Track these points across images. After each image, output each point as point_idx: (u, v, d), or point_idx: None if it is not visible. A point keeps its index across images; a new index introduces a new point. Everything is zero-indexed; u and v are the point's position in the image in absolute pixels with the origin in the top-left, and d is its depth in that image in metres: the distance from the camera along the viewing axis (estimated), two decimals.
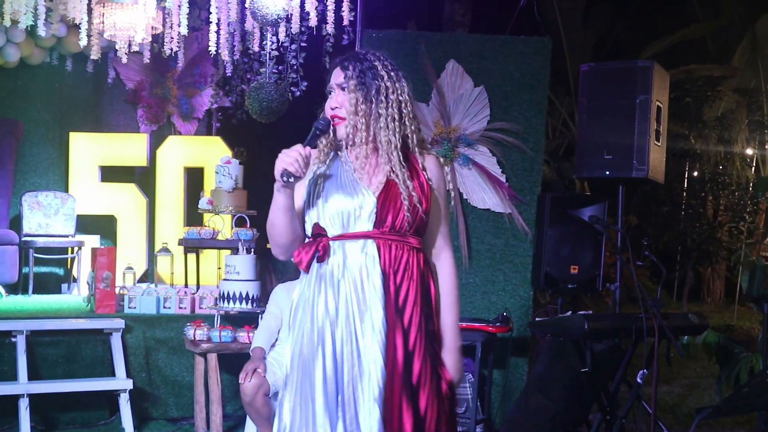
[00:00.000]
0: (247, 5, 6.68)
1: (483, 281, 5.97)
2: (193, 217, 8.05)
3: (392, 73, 2.79)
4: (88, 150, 8.38)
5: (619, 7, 14.81)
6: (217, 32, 6.92)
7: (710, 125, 13.82)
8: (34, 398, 5.38)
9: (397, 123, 2.75)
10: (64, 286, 8.21)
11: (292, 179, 2.64)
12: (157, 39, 7.59)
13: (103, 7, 6.81)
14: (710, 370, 7.78)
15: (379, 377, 2.61)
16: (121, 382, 5.68)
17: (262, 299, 5.64)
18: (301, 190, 2.81)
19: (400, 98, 2.78)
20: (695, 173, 14.15)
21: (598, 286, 5.78)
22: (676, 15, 14.96)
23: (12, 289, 7.67)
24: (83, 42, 6.76)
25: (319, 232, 2.75)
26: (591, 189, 10.82)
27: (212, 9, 6.79)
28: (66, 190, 8.31)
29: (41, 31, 6.49)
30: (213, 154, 8.10)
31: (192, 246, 6.90)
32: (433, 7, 10.68)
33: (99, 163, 8.40)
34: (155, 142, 8.55)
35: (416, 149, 2.81)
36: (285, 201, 2.69)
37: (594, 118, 5.70)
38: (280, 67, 7.69)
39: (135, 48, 7.25)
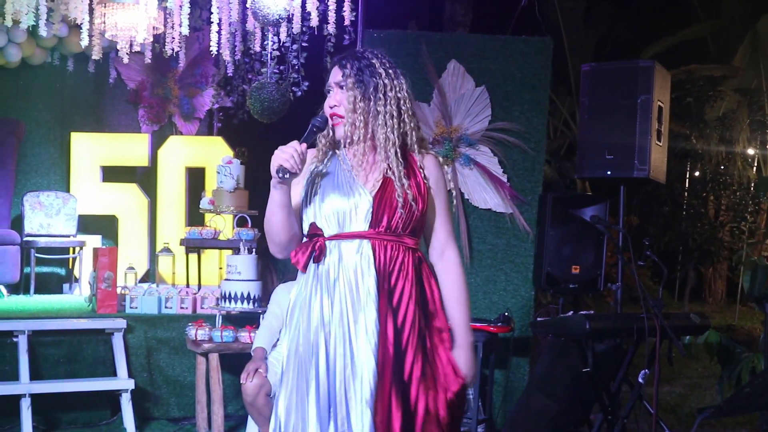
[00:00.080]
0: (248, 5, 6.68)
1: (484, 281, 5.96)
2: (194, 217, 8.05)
3: (390, 71, 2.79)
4: (90, 150, 8.39)
5: (620, 7, 14.80)
6: (219, 32, 6.92)
7: (711, 125, 13.81)
8: (35, 398, 5.38)
9: (395, 120, 2.75)
10: (66, 286, 8.21)
11: (287, 175, 2.64)
12: (159, 39, 7.59)
13: (105, 7, 6.81)
14: (712, 370, 7.78)
15: (371, 379, 2.61)
16: (122, 382, 5.68)
17: (264, 299, 5.64)
18: (298, 189, 2.81)
19: (399, 95, 2.78)
20: (697, 173, 14.14)
21: (599, 286, 5.78)
22: (677, 15, 14.95)
23: (14, 289, 7.68)
24: (85, 42, 6.76)
25: (315, 232, 2.76)
26: (592, 189, 10.81)
27: (213, 9, 6.79)
28: (67, 190, 8.31)
29: (43, 31, 6.49)
30: (214, 154, 8.11)
31: (193, 246, 6.90)
32: (434, 7, 10.68)
33: (100, 163, 8.41)
34: (157, 142, 8.55)
35: (415, 147, 2.81)
36: (281, 198, 2.69)
37: (595, 118, 5.70)
38: (281, 67, 7.69)
39: (136, 48, 7.25)
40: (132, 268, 7.54)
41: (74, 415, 5.77)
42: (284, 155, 2.64)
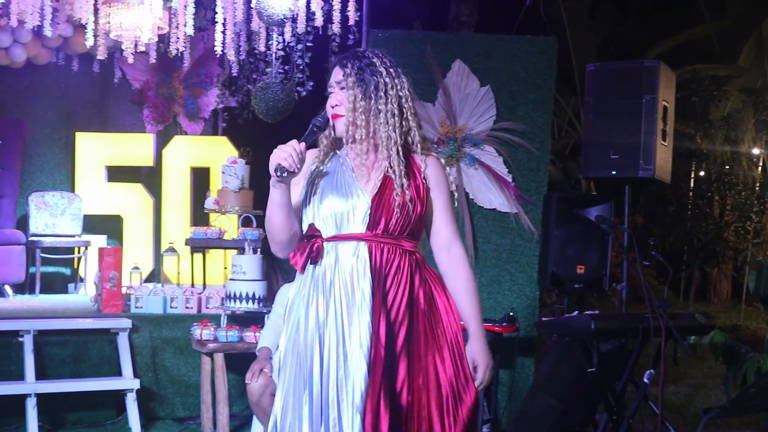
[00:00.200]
0: (253, 5, 6.68)
1: (489, 281, 5.96)
2: (199, 216, 8.06)
3: (391, 69, 2.79)
4: (95, 150, 8.40)
5: (625, 7, 14.78)
6: (223, 32, 6.93)
7: (716, 125, 13.78)
8: (41, 398, 5.39)
9: (397, 118, 2.76)
10: (71, 286, 8.23)
11: (285, 174, 2.65)
12: (163, 39, 7.60)
13: (110, 7, 6.82)
14: (717, 371, 7.76)
15: (362, 383, 2.61)
16: (127, 381, 5.69)
17: (269, 299, 5.65)
18: (298, 188, 2.82)
19: (400, 93, 2.78)
20: (702, 173, 14.11)
21: (604, 286, 5.77)
22: (682, 15, 14.93)
23: (19, 288, 7.70)
24: (89, 42, 6.78)
25: (313, 233, 2.76)
26: (597, 189, 10.80)
27: (218, 9, 6.79)
28: (72, 190, 8.33)
29: (48, 31, 6.50)
30: (219, 154, 8.11)
31: (198, 246, 6.90)
32: (439, 7, 10.67)
33: (105, 163, 8.42)
34: (161, 142, 8.56)
35: (417, 147, 2.81)
36: (280, 197, 2.70)
37: (600, 118, 5.69)
38: (286, 67, 7.69)
39: (141, 48, 7.26)
40: (137, 268, 7.55)
41: (79, 415, 5.78)
42: (283, 154, 2.65)
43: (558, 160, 12.56)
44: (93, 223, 8.32)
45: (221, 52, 7.09)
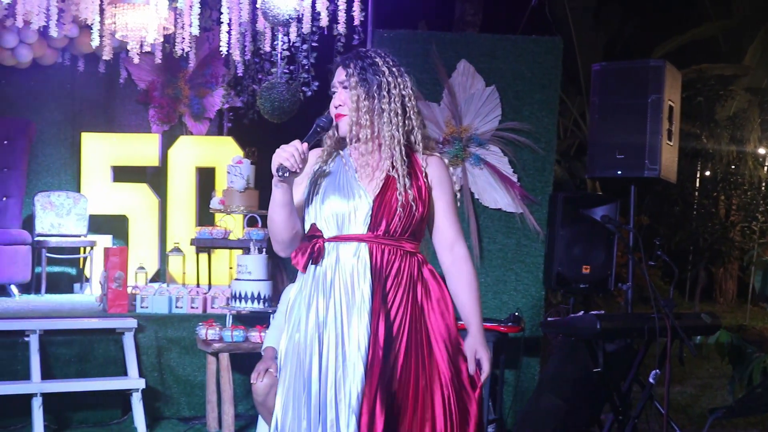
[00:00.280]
0: (258, 5, 6.69)
1: (494, 281, 5.96)
2: (204, 216, 8.07)
3: (394, 69, 2.79)
4: (100, 150, 8.41)
5: (631, 7, 14.76)
6: (229, 32, 6.94)
7: (722, 125, 13.76)
8: (47, 397, 5.40)
9: (400, 117, 2.76)
10: (77, 286, 8.24)
11: (287, 174, 2.66)
12: (169, 39, 7.60)
13: (115, 7, 6.83)
14: (723, 371, 7.75)
15: (359, 384, 2.62)
16: (133, 381, 5.69)
17: (274, 299, 5.65)
18: (301, 188, 2.82)
19: (403, 93, 2.78)
20: (707, 173, 14.09)
21: (610, 286, 5.76)
22: (687, 14, 14.91)
23: (25, 288, 7.71)
24: (95, 42, 6.79)
25: (314, 233, 2.77)
26: (603, 189, 10.79)
27: (223, 9, 6.80)
28: (78, 190, 8.34)
29: (53, 32, 6.51)
30: (224, 154, 8.12)
31: (204, 246, 6.91)
32: (444, 7, 10.67)
33: (111, 163, 8.43)
34: (167, 142, 8.57)
35: (419, 147, 2.81)
36: (282, 196, 2.70)
37: (606, 118, 5.68)
38: (291, 67, 7.69)
39: (147, 48, 7.27)
40: (142, 268, 7.56)
41: (85, 415, 5.78)
42: (285, 154, 2.66)
43: (563, 160, 12.56)
44: (98, 223, 8.33)
45: (226, 53, 7.09)
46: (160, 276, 8.28)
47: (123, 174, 8.50)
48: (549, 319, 5.64)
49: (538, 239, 5.96)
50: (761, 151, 14.09)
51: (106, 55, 7.40)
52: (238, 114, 8.88)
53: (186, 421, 5.98)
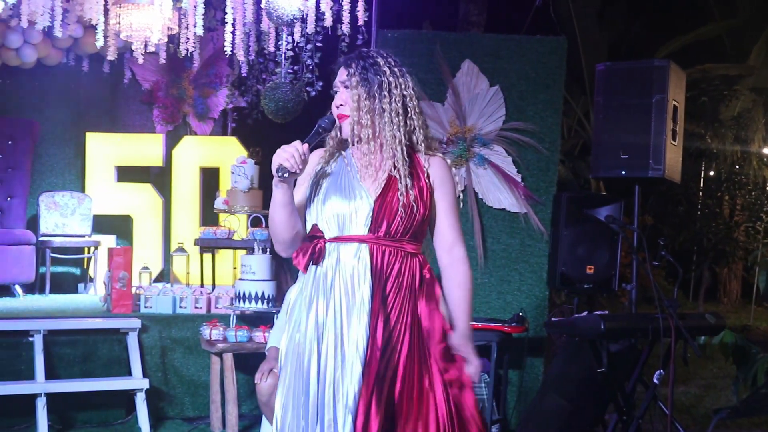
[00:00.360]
0: (262, 5, 6.69)
1: (498, 281, 5.96)
2: (208, 217, 8.08)
3: (395, 69, 2.80)
4: (105, 150, 8.42)
5: (635, 6, 14.74)
6: (233, 32, 6.93)
7: (727, 124, 13.74)
8: (51, 397, 5.41)
9: (401, 117, 2.76)
10: (81, 286, 8.25)
11: (287, 175, 2.67)
12: (173, 39, 7.61)
13: (120, 7, 6.84)
14: (727, 371, 7.74)
15: (356, 384, 2.63)
16: (137, 381, 5.70)
17: (278, 299, 5.65)
18: (303, 188, 2.83)
19: (404, 93, 2.79)
20: (711, 173, 14.07)
21: (614, 286, 5.76)
22: (692, 14, 14.88)
23: (29, 288, 7.72)
24: (100, 42, 6.79)
25: (315, 233, 2.78)
26: (607, 189, 10.77)
27: (228, 9, 6.80)
28: (82, 190, 8.35)
29: (58, 32, 6.51)
30: (228, 154, 8.12)
31: (208, 246, 6.91)
32: (448, 7, 10.66)
33: (115, 163, 8.44)
34: (171, 142, 8.57)
35: (421, 147, 2.81)
36: (282, 197, 2.71)
37: (610, 118, 5.68)
38: (295, 67, 7.69)
39: (151, 48, 7.27)
40: (146, 268, 7.57)
41: (89, 415, 5.79)
42: (285, 154, 2.67)
43: (567, 159, 12.54)
44: (103, 223, 8.34)
45: (231, 53, 7.09)
46: (164, 276, 8.29)
47: (127, 174, 8.51)
48: (553, 319, 5.64)
49: (542, 239, 5.95)
50: (766, 150, 14.08)
51: (111, 56, 7.41)
52: (242, 114, 8.88)
53: (190, 421, 5.98)
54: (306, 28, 7.14)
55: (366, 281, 2.70)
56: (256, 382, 4.48)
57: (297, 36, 7.36)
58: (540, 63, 6.02)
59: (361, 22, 6.96)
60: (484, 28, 9.81)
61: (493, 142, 5.93)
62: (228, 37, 6.88)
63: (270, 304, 5.68)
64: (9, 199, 7.95)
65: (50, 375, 5.55)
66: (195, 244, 7.03)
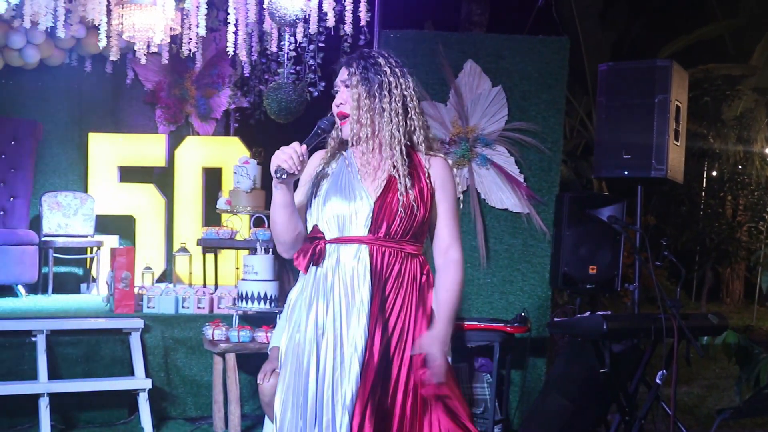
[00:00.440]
0: (265, 6, 6.69)
1: (501, 281, 5.96)
2: (211, 217, 8.08)
3: (396, 69, 2.81)
4: (107, 150, 8.42)
5: (638, 6, 14.73)
6: (235, 33, 6.94)
7: (729, 124, 13.74)
8: (53, 397, 5.41)
9: (401, 117, 2.77)
10: (84, 286, 8.25)
11: (285, 176, 2.68)
12: (176, 40, 7.61)
13: (122, 8, 6.84)
14: (730, 371, 7.74)
15: (353, 384, 2.63)
16: (140, 381, 5.70)
17: (280, 299, 5.65)
18: (304, 189, 2.84)
19: (405, 93, 2.79)
20: (714, 173, 14.07)
21: (616, 287, 5.76)
22: (694, 14, 14.87)
23: (32, 288, 7.72)
24: (102, 43, 6.79)
25: (316, 234, 2.78)
26: (609, 189, 10.77)
27: (230, 10, 6.80)
28: (85, 191, 8.35)
29: (61, 33, 6.52)
30: (231, 155, 8.13)
31: (210, 246, 6.92)
32: (451, 6, 10.65)
33: (118, 163, 8.44)
34: (174, 143, 8.58)
35: (422, 147, 2.81)
36: (282, 198, 2.72)
37: (612, 118, 5.67)
38: (297, 68, 7.70)
39: (153, 49, 7.28)
40: (149, 268, 7.57)
41: (92, 415, 5.80)
42: (283, 156, 2.68)
43: (570, 160, 12.53)
44: (105, 224, 8.34)
45: (233, 53, 7.09)
46: (167, 276, 8.29)
47: (130, 174, 8.52)
48: (555, 319, 5.64)
49: (544, 239, 5.95)
50: None
51: (113, 56, 7.41)
52: (244, 114, 8.89)
53: (192, 422, 5.99)
54: (308, 28, 7.14)
55: (365, 282, 2.70)
56: (258, 382, 4.48)
57: (299, 36, 7.37)
58: (542, 63, 6.02)
59: (363, 23, 6.96)
60: (487, 28, 9.80)
61: (495, 143, 5.93)
62: (230, 37, 6.88)
63: (272, 305, 5.68)
64: (12, 199, 7.95)
65: (53, 375, 5.56)
66: (197, 245, 7.04)
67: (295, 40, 7.44)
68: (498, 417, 5.55)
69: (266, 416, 4.61)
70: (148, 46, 7.16)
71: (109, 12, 6.80)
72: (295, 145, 2.70)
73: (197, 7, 6.70)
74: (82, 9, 6.85)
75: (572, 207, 5.64)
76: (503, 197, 5.94)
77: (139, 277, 7.16)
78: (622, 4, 14.45)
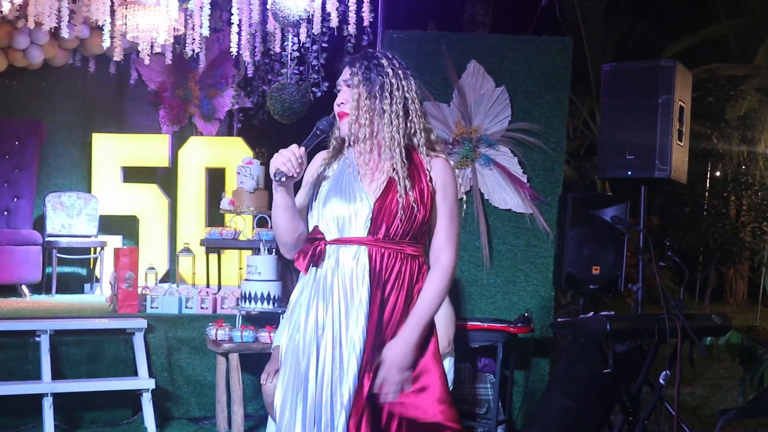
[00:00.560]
0: (268, 6, 6.70)
1: (504, 282, 5.95)
2: (214, 217, 8.09)
3: (399, 71, 2.79)
4: (111, 151, 8.44)
5: (641, 7, 14.73)
6: (239, 33, 6.95)
7: (733, 125, 13.72)
8: (57, 397, 5.42)
9: (401, 119, 2.75)
10: (87, 286, 8.27)
11: (284, 179, 2.68)
12: (179, 40, 7.62)
13: (126, 8, 6.85)
14: (733, 372, 7.72)
15: (351, 386, 2.64)
16: (143, 381, 5.71)
17: (284, 299, 5.65)
18: (305, 190, 2.85)
19: (407, 95, 2.78)
20: (718, 173, 14.06)
21: (619, 287, 5.75)
22: (698, 14, 14.86)
23: (35, 288, 7.74)
24: (106, 43, 6.81)
25: (316, 235, 2.78)
26: (613, 189, 10.76)
27: (234, 10, 6.81)
28: (89, 191, 8.37)
29: (64, 33, 6.53)
30: (234, 155, 8.14)
31: (213, 246, 6.92)
32: (454, 7, 10.67)
33: (121, 163, 8.46)
34: (177, 143, 8.59)
35: (423, 148, 2.80)
36: (282, 200, 2.73)
37: (616, 118, 5.67)
38: (301, 68, 7.71)
39: (157, 49, 7.29)
40: (152, 269, 7.58)
41: (95, 415, 5.80)
42: (282, 158, 2.69)
43: (573, 160, 12.54)
44: (109, 224, 8.36)
45: (236, 53, 7.10)
46: (170, 276, 8.30)
47: (133, 174, 8.53)
48: (559, 319, 5.63)
49: (547, 240, 5.95)
50: None
51: (117, 56, 7.43)
52: (248, 115, 8.90)
53: (196, 422, 5.99)
54: (312, 28, 7.14)
55: (364, 283, 2.70)
56: (261, 382, 4.48)
57: (303, 37, 7.38)
58: (546, 63, 6.01)
59: (366, 23, 6.97)
60: (490, 28, 9.82)
61: (498, 143, 5.93)
62: (234, 37, 6.89)
63: (276, 305, 5.68)
64: (16, 199, 7.97)
65: (56, 375, 5.56)
66: (201, 245, 7.04)
67: (299, 41, 7.45)
68: (501, 417, 5.55)
69: (269, 416, 4.61)
70: (152, 47, 7.17)
71: (112, 12, 6.82)
72: (294, 147, 2.71)
73: (201, 7, 6.71)
74: (86, 9, 6.87)
75: (575, 207, 5.64)
76: (506, 197, 5.94)
77: (142, 278, 7.17)
78: (625, 5, 14.45)
